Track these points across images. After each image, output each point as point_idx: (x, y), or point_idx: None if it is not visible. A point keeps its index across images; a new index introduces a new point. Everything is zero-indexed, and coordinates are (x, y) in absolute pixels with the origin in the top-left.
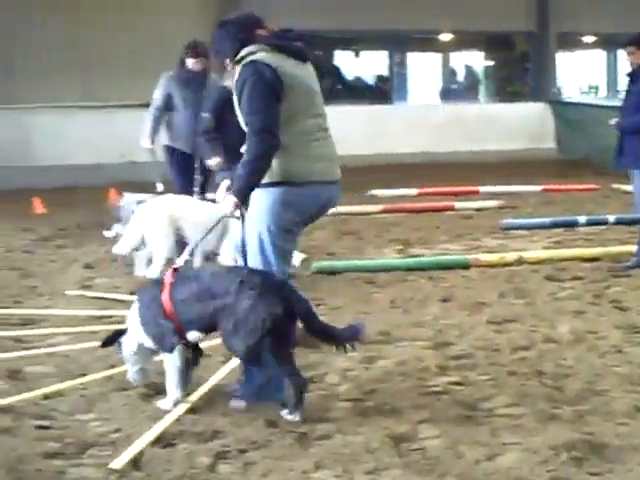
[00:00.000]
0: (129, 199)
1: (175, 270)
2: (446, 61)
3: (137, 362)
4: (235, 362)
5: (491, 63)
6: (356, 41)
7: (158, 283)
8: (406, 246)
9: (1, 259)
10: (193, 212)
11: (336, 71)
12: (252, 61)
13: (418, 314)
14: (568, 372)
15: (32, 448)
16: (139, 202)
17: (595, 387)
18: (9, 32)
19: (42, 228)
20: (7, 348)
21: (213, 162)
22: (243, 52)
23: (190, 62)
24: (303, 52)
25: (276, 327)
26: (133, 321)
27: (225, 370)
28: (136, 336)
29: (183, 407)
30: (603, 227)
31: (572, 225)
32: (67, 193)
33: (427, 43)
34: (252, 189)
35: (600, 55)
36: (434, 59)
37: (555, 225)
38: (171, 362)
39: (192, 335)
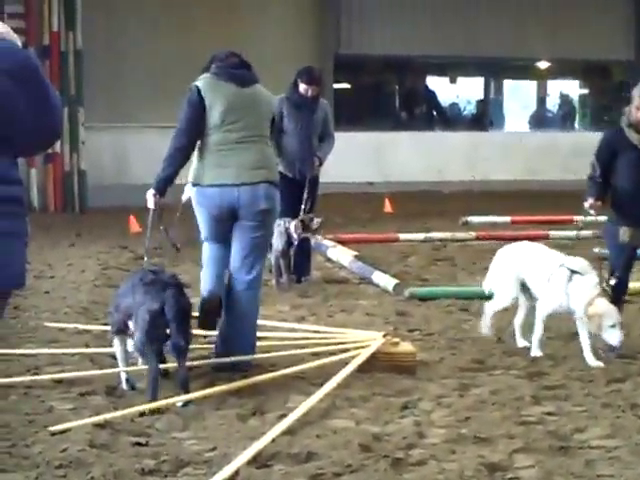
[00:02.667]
0: None
1: None
2: (542, 89)
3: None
4: (329, 386)
5: (587, 92)
6: (452, 67)
7: None
8: None
9: (98, 276)
10: (538, 264)
11: (432, 97)
12: (193, 85)
13: (512, 343)
14: None
15: (129, 464)
16: None
17: None
18: (112, 53)
19: (138, 246)
20: (104, 365)
21: (587, 204)
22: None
23: (303, 88)
24: (240, 77)
25: (154, 322)
26: None
27: (320, 392)
28: None
29: (279, 428)
30: None
31: None
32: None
33: (523, 70)
34: (166, 182)
35: None
36: (530, 86)
37: None
38: (115, 347)
39: (131, 324)
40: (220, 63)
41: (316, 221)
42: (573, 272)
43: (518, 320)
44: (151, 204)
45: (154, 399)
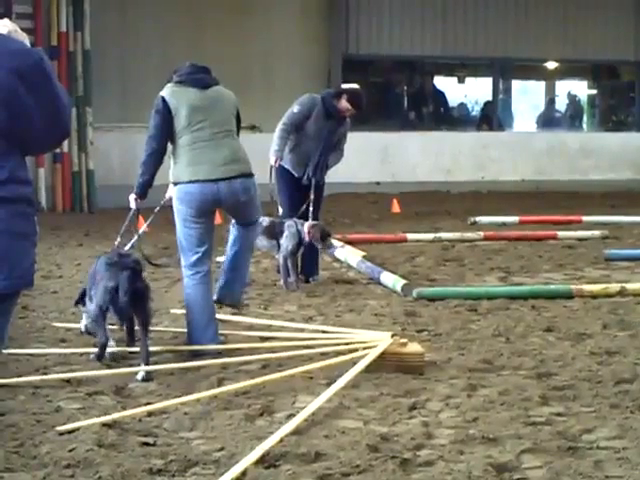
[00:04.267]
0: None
1: None
2: (550, 89)
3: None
4: (337, 386)
5: (596, 92)
6: (460, 67)
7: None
8: (508, 274)
9: None
10: None
11: (440, 97)
12: (159, 95)
13: (520, 343)
14: None
15: (137, 464)
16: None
17: None
18: (121, 53)
19: (145, 246)
20: (113, 364)
21: None
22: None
23: (344, 104)
24: (201, 81)
25: (111, 296)
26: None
27: (328, 393)
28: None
29: (287, 428)
30: None
31: None
32: (170, 212)
33: (532, 71)
34: (145, 186)
35: None
36: (538, 87)
37: None
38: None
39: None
40: (180, 72)
41: (331, 240)
42: None
43: None
44: (133, 205)
45: (100, 359)
